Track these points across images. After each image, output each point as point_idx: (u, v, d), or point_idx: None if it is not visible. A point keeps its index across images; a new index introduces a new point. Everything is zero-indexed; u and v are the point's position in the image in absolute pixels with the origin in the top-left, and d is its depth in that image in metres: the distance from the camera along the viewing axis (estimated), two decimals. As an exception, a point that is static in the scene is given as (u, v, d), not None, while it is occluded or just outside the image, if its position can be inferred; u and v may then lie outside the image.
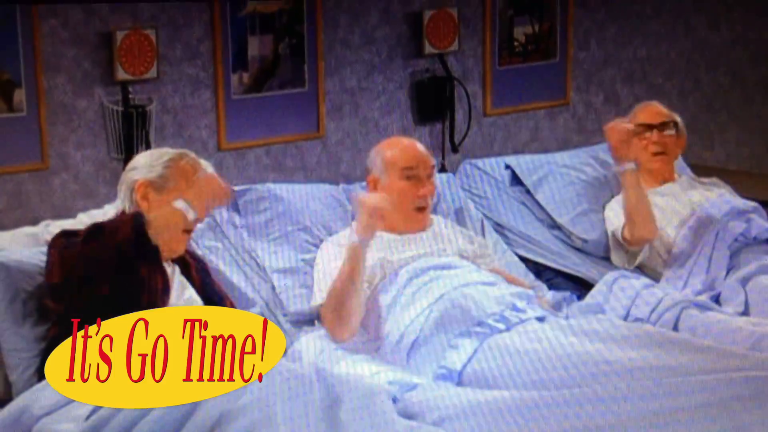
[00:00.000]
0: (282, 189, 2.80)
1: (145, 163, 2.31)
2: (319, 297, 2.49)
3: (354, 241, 2.35)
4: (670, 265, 2.81)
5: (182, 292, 2.29)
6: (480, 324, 2.32)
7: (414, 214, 2.56)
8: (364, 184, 2.70)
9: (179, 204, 2.16)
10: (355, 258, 2.35)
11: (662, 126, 3.00)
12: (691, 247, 2.80)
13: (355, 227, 2.37)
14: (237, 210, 2.74)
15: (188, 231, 2.23)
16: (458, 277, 2.46)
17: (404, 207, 2.54)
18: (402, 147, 2.62)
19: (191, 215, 2.17)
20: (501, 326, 2.32)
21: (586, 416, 2.01)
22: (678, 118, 3.06)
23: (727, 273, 2.75)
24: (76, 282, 2.13)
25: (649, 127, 3.00)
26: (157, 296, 2.19)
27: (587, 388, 2.07)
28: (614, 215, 2.96)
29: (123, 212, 2.24)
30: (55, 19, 2.64)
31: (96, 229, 2.16)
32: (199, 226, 2.65)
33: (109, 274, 2.10)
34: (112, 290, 2.13)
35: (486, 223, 2.98)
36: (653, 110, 3.05)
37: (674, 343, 2.19)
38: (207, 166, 2.32)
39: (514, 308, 2.38)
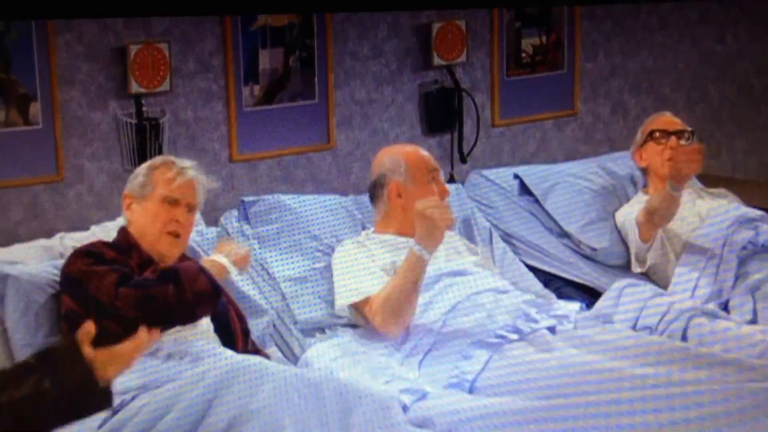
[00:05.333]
0: (292, 199, 2.83)
1: (133, 175, 2.39)
2: (351, 296, 2.48)
3: (417, 251, 2.35)
4: (679, 273, 2.83)
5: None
6: (493, 335, 2.33)
7: None
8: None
9: (223, 261, 2.35)
10: (420, 268, 2.36)
11: (679, 133, 3.03)
12: (699, 256, 2.81)
13: (419, 238, 2.36)
14: (247, 220, 2.77)
15: (176, 235, 2.35)
16: (471, 285, 2.48)
17: None
18: (418, 151, 2.67)
19: (234, 273, 2.37)
20: (514, 336, 2.33)
21: (596, 426, 2.02)
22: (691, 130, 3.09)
23: (735, 281, 2.75)
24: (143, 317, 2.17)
25: (666, 133, 3.03)
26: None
27: (598, 400, 2.08)
28: (627, 220, 2.97)
29: (193, 261, 2.32)
30: (70, 33, 2.67)
31: (171, 274, 2.21)
32: (210, 236, 2.69)
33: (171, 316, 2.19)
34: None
35: (494, 232, 3.00)
36: (669, 119, 3.09)
37: (684, 355, 2.20)
38: (188, 165, 2.38)
39: (527, 318, 2.39)
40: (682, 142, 3.02)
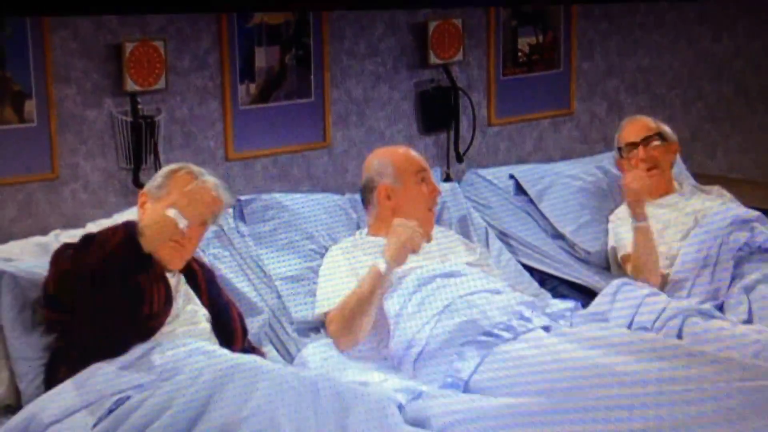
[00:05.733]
0: (288, 198, 2.83)
1: (154, 176, 2.36)
2: (325, 305, 2.51)
3: (379, 266, 2.37)
4: (675, 274, 2.82)
5: (186, 303, 2.31)
6: (487, 333, 2.34)
7: (428, 215, 2.61)
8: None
9: (170, 212, 2.18)
10: (377, 282, 2.37)
11: (646, 141, 3.01)
12: (695, 256, 2.81)
13: (384, 251, 2.37)
14: (243, 219, 2.76)
15: (181, 244, 2.24)
16: (464, 285, 2.48)
17: (420, 209, 2.58)
18: (406, 153, 2.67)
19: (182, 223, 2.18)
20: (507, 335, 2.34)
21: (591, 424, 2.02)
22: (664, 128, 3.07)
23: (731, 282, 2.76)
24: (69, 291, 2.15)
25: (634, 144, 3.02)
26: (159, 307, 2.21)
27: (593, 396, 2.08)
28: (617, 229, 2.98)
29: (123, 222, 2.27)
30: (65, 30, 2.66)
31: (88, 238, 2.20)
32: (207, 235, 2.68)
33: (102, 283, 2.13)
34: (111, 300, 2.16)
35: (490, 231, 3.00)
36: (636, 126, 3.05)
37: (679, 352, 2.20)
38: (209, 179, 2.33)
39: (521, 317, 2.40)
40: (655, 143, 3.01)
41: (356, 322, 2.39)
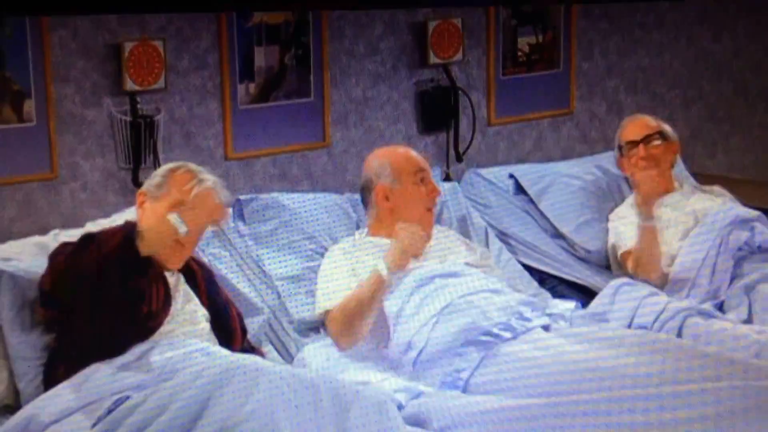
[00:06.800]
0: (287, 198, 2.83)
1: (152, 175, 2.36)
2: (326, 305, 2.51)
3: (381, 271, 2.37)
4: (675, 273, 2.83)
5: (185, 303, 2.31)
6: (487, 333, 2.34)
7: (427, 215, 2.60)
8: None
9: (171, 217, 2.20)
10: (378, 286, 2.37)
11: (647, 139, 3.01)
12: (695, 256, 2.81)
13: (386, 256, 2.38)
14: (243, 218, 2.76)
15: (181, 244, 2.25)
16: (464, 285, 2.48)
17: (418, 209, 2.58)
18: (405, 153, 2.67)
19: (182, 229, 2.21)
20: (507, 335, 2.34)
21: (591, 425, 2.02)
22: (665, 127, 3.07)
23: (731, 281, 2.76)
24: (66, 290, 2.15)
25: (635, 143, 3.02)
26: (158, 307, 2.21)
27: (592, 396, 2.08)
28: (618, 228, 2.98)
29: (123, 223, 2.27)
30: (65, 30, 2.66)
31: (87, 238, 2.21)
32: (205, 234, 2.68)
33: (99, 284, 2.13)
34: (109, 300, 2.16)
35: (490, 231, 3.00)
36: (637, 125, 3.06)
37: (678, 351, 2.20)
38: (208, 177, 2.34)
39: (520, 317, 2.40)
40: (656, 142, 3.01)
41: (356, 324, 2.39)
